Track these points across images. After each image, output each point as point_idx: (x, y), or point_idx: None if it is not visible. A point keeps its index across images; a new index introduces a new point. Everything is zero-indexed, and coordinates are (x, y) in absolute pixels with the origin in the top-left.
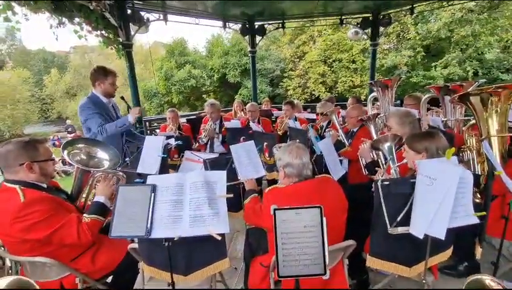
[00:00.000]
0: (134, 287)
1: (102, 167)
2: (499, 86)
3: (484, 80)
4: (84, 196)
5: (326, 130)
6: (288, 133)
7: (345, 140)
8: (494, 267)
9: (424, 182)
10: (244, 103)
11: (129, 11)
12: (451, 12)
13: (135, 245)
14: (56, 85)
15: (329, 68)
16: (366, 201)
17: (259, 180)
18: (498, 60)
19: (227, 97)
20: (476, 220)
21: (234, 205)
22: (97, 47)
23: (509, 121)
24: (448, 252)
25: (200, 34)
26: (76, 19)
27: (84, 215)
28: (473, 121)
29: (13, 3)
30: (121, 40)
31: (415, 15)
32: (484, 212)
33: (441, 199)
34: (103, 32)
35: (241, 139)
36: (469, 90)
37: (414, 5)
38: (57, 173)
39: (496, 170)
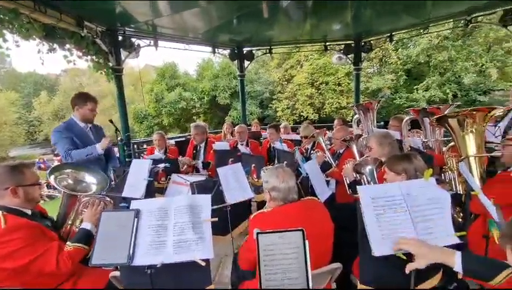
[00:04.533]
0: None
1: (90, 191)
2: (474, 109)
3: (459, 102)
4: (69, 222)
5: (312, 151)
6: (274, 153)
7: (332, 161)
8: (480, 287)
9: (374, 208)
10: (233, 124)
11: (120, 38)
12: (428, 39)
13: (116, 273)
14: (45, 107)
15: (316, 90)
16: (353, 221)
17: (248, 203)
18: (475, 83)
19: (218, 119)
20: (457, 240)
21: (222, 228)
22: (87, 70)
23: (487, 142)
24: (438, 276)
25: (190, 57)
26: (67, 45)
27: (68, 243)
28: (453, 143)
29: (4, 31)
30: (111, 65)
31: (394, 42)
32: (464, 232)
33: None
34: (93, 57)
35: (230, 161)
36: (446, 112)
37: (393, 33)
38: (41, 197)
39: (473, 190)
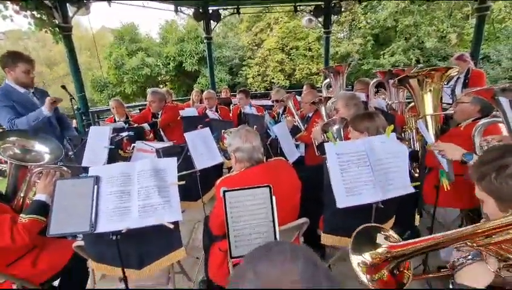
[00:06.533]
0: (86, 288)
1: (42, 160)
2: (432, 69)
3: (422, 65)
4: (22, 194)
5: (283, 116)
6: (244, 119)
7: (301, 125)
8: (429, 232)
9: (339, 164)
10: (202, 91)
11: None
12: (396, 2)
13: (80, 243)
14: None
15: (287, 56)
16: (321, 181)
17: (219, 168)
18: (436, 48)
19: (186, 86)
20: (412, 190)
21: (192, 194)
22: (34, 32)
23: (444, 103)
24: (391, 221)
25: (152, 19)
26: None
27: (21, 215)
28: (413, 104)
29: None
30: (57, 23)
31: (364, 4)
32: (418, 182)
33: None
34: (34, 12)
35: (198, 127)
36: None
37: None
38: None
39: (428, 144)
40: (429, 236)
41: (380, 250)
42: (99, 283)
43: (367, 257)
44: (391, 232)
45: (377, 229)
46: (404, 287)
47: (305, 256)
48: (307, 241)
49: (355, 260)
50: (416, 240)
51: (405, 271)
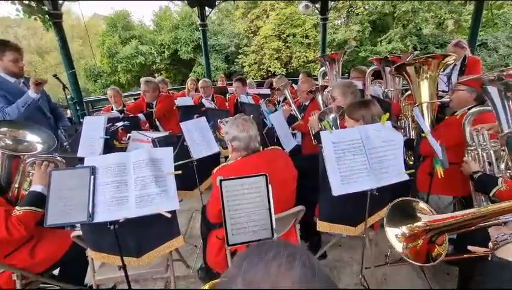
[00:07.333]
0: (86, 276)
1: (35, 150)
2: (430, 56)
3: (418, 52)
4: (16, 185)
5: (281, 104)
6: (241, 108)
7: (298, 114)
8: None
9: (335, 152)
10: (198, 80)
11: None
12: None
13: (78, 232)
14: None
15: (283, 43)
16: (317, 170)
17: (216, 157)
18: (433, 35)
19: (181, 75)
20: (406, 177)
21: (189, 183)
22: (23, 20)
23: (440, 90)
24: (385, 209)
25: (144, 5)
26: None
27: (16, 207)
28: (409, 92)
29: None
30: (46, 9)
31: None
32: (413, 170)
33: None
34: None
35: (194, 116)
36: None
37: None
38: None
39: (424, 131)
40: (470, 210)
41: (419, 223)
42: (98, 272)
43: (405, 229)
44: (422, 204)
45: (409, 203)
46: (432, 263)
47: (303, 261)
48: (303, 228)
49: (392, 231)
50: (455, 213)
51: (437, 245)
